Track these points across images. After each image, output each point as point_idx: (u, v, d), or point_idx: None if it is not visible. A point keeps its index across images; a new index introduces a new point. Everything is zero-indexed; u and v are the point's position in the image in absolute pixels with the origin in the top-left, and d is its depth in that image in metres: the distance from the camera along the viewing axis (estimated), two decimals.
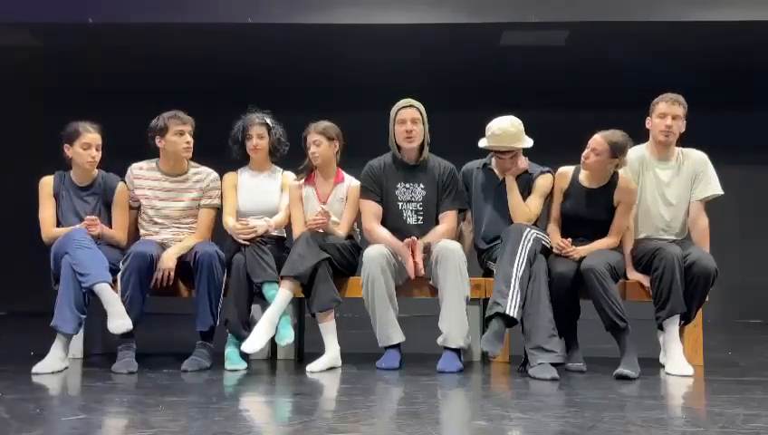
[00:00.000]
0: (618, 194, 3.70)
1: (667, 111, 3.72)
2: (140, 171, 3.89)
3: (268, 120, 3.97)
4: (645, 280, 3.64)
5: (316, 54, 7.02)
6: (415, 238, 3.69)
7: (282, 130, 4.05)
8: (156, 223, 3.85)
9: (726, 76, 7.53)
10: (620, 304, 3.43)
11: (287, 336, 3.51)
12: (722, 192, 3.80)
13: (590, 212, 3.73)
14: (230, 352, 3.60)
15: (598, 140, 3.63)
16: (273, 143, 3.99)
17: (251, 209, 3.94)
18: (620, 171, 3.74)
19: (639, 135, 3.89)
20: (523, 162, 3.89)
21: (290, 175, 4.04)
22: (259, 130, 3.95)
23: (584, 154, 3.67)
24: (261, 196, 3.97)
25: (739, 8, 6.09)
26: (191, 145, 3.83)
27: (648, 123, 3.82)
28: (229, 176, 4.01)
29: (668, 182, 3.79)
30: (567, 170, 3.83)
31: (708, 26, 6.22)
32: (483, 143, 3.85)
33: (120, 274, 3.56)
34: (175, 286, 3.82)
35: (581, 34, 6.46)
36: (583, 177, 3.78)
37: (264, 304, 3.61)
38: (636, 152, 3.82)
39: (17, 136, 8.55)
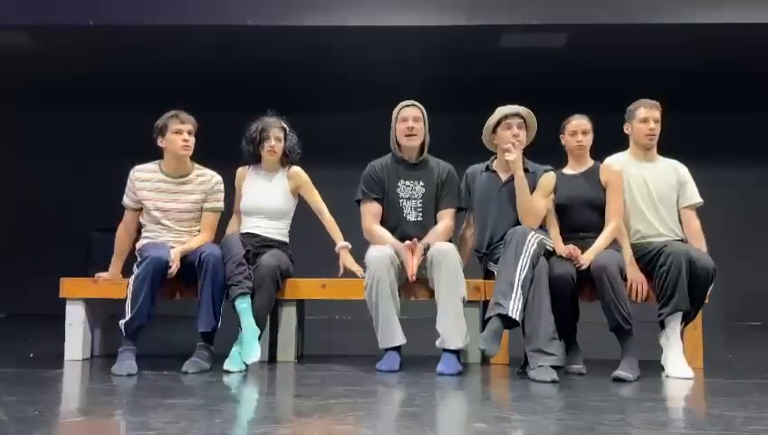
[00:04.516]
0: (603, 174, 3.80)
1: (649, 115, 3.84)
2: (143, 173, 3.88)
3: (285, 125, 4.03)
4: (644, 283, 3.65)
5: (316, 56, 7.03)
6: (416, 241, 3.69)
7: (296, 139, 4.08)
8: (160, 224, 3.85)
9: (727, 78, 7.55)
10: (628, 307, 3.44)
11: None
12: (702, 201, 3.88)
13: (582, 192, 3.78)
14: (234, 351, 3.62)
15: (581, 122, 3.83)
16: (287, 148, 4.03)
17: (251, 208, 3.95)
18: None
19: None
20: (522, 157, 3.89)
21: (296, 168, 4.08)
22: (278, 133, 3.99)
23: (577, 140, 3.81)
24: (263, 196, 4.00)
25: (740, 10, 6.10)
26: (189, 144, 3.83)
27: (627, 129, 3.93)
28: (240, 172, 4.08)
29: (653, 182, 3.85)
30: (552, 171, 3.91)
31: (708, 28, 6.23)
32: (493, 118, 3.91)
33: (133, 276, 3.55)
34: (177, 288, 3.84)
35: (581, 37, 6.48)
36: (568, 168, 3.92)
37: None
38: (617, 159, 3.92)
39: (17, 136, 8.56)
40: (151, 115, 3.89)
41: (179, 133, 3.79)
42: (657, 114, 3.85)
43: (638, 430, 2.28)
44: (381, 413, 2.58)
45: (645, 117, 3.83)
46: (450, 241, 3.90)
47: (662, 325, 3.60)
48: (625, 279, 3.57)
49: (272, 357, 3.98)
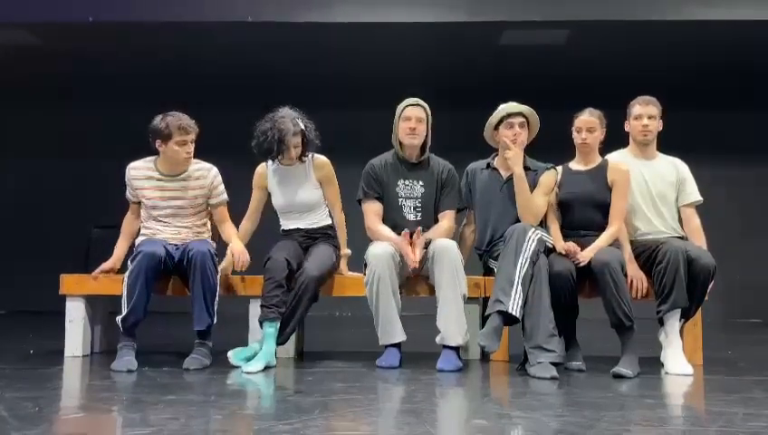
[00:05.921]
0: (610, 174, 3.77)
1: (643, 112, 3.85)
2: (138, 171, 3.87)
3: (301, 125, 3.82)
4: (644, 279, 3.65)
5: (316, 53, 7.02)
6: (419, 229, 3.69)
7: (315, 133, 3.88)
8: (159, 221, 3.85)
9: (728, 76, 7.54)
10: (630, 303, 3.44)
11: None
12: (701, 199, 3.88)
13: (586, 190, 3.77)
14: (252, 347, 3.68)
15: (586, 119, 3.76)
16: (305, 145, 3.86)
17: (286, 208, 3.95)
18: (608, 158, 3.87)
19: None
20: (524, 153, 3.88)
21: (322, 158, 3.97)
22: (295, 141, 3.79)
23: (582, 138, 3.77)
24: (294, 195, 3.93)
25: (741, 7, 6.09)
26: (191, 153, 3.80)
27: (627, 126, 3.94)
28: (260, 171, 4.00)
29: (653, 180, 3.86)
30: (554, 169, 3.90)
31: (710, 25, 6.22)
32: (495, 116, 3.89)
33: (127, 272, 3.55)
34: (175, 284, 3.85)
35: (582, 34, 6.46)
36: (575, 163, 3.88)
37: None
38: (618, 157, 3.93)
39: (17, 136, 8.55)
40: (152, 112, 3.88)
41: (183, 145, 3.75)
42: (651, 110, 3.85)
43: (638, 426, 2.28)
44: (381, 410, 2.58)
45: (639, 114, 3.86)
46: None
47: (661, 322, 3.60)
48: (625, 276, 3.58)
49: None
